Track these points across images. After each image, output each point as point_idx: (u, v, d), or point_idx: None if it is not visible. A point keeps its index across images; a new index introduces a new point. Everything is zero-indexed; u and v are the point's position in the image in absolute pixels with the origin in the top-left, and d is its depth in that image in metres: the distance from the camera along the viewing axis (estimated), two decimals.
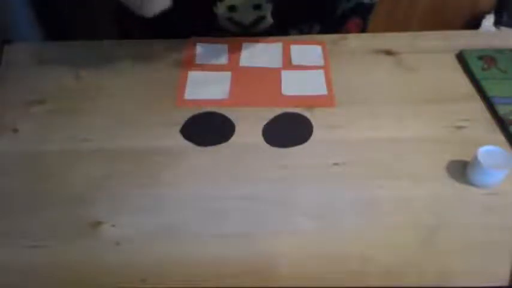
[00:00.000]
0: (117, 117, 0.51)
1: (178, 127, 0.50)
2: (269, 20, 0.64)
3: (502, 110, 0.52)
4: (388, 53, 0.58)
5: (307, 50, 0.58)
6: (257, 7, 0.62)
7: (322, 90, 0.54)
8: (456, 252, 0.42)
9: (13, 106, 0.53)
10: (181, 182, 0.46)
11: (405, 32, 0.56)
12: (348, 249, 0.42)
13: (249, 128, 0.50)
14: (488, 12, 1.08)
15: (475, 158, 0.45)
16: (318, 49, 0.59)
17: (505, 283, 0.40)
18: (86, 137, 0.50)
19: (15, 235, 0.43)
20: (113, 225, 0.43)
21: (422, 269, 0.41)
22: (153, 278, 0.40)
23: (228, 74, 0.56)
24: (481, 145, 0.45)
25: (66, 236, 0.43)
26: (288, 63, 0.57)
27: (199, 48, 0.58)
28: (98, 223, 0.43)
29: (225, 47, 0.59)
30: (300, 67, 0.57)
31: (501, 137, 0.50)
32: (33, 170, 0.47)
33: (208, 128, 0.51)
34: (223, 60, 0.57)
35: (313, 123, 0.51)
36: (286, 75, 0.56)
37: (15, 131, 0.50)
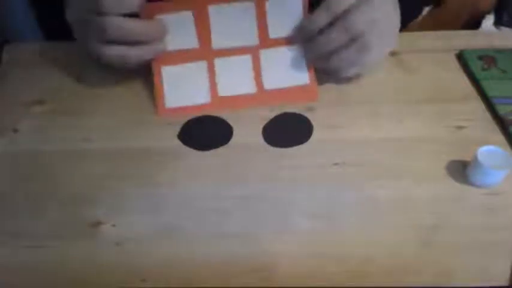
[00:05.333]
0: (117, 117, 0.51)
1: (178, 127, 0.50)
2: None
3: (502, 110, 0.52)
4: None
5: (286, 8, 0.51)
6: None
7: (304, 78, 0.52)
8: (456, 253, 0.42)
9: (13, 106, 0.53)
10: (182, 182, 0.46)
11: (405, 32, 0.56)
12: (348, 249, 0.42)
13: (248, 128, 0.50)
14: (488, 12, 1.08)
15: (475, 158, 0.45)
16: (298, 3, 0.51)
17: (505, 283, 0.40)
18: (86, 137, 0.50)
19: (15, 235, 0.43)
20: (113, 225, 0.43)
21: (422, 269, 0.41)
22: (154, 278, 0.40)
23: (204, 64, 0.52)
24: (481, 145, 0.45)
25: (66, 236, 0.43)
26: (265, 36, 0.52)
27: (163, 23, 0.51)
28: (98, 223, 0.43)
29: (191, 18, 0.51)
30: (279, 41, 0.52)
31: (501, 137, 0.50)
32: (33, 170, 0.47)
33: (206, 132, 0.50)
34: (194, 41, 0.51)
35: (313, 123, 0.51)
36: (265, 56, 0.52)
37: (15, 131, 0.50)
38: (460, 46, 0.59)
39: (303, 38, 0.52)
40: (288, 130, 0.51)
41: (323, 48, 0.50)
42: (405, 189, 0.46)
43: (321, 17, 0.50)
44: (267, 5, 0.51)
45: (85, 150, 0.49)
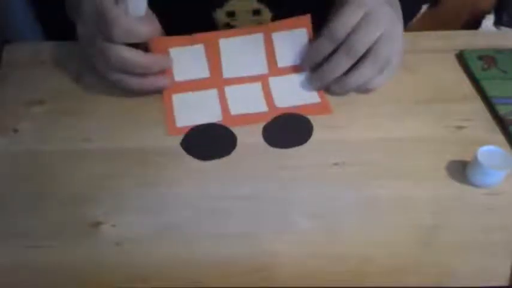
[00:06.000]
0: (117, 117, 0.51)
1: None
2: None
3: (502, 110, 0.52)
4: None
5: (292, 40, 0.53)
6: (256, 12, 0.61)
7: (314, 98, 0.53)
8: (456, 252, 0.42)
9: (13, 106, 0.53)
10: (182, 182, 0.46)
11: (405, 32, 0.55)
12: (348, 249, 0.42)
13: (248, 129, 0.50)
14: (488, 12, 1.08)
15: (475, 158, 0.45)
16: (303, 34, 0.53)
17: (505, 283, 0.40)
18: (86, 137, 0.50)
19: (15, 235, 0.43)
20: (113, 225, 0.43)
21: (422, 269, 0.41)
22: (154, 278, 0.40)
23: (214, 92, 0.53)
24: (481, 145, 0.45)
25: (66, 236, 0.43)
26: (273, 66, 0.54)
27: (174, 55, 0.53)
28: (98, 223, 0.43)
29: (202, 50, 0.53)
30: (287, 70, 0.54)
31: (501, 137, 0.50)
32: (33, 170, 0.47)
33: (209, 141, 0.49)
34: (204, 72, 0.53)
35: (313, 123, 0.51)
36: (274, 83, 0.53)
37: (15, 131, 0.50)
38: (460, 46, 0.59)
39: (309, 67, 0.53)
40: (288, 131, 0.50)
41: (329, 75, 0.51)
42: (405, 189, 0.46)
43: (324, 45, 0.51)
44: (274, 36, 0.53)
45: (85, 150, 0.49)
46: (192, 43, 0.52)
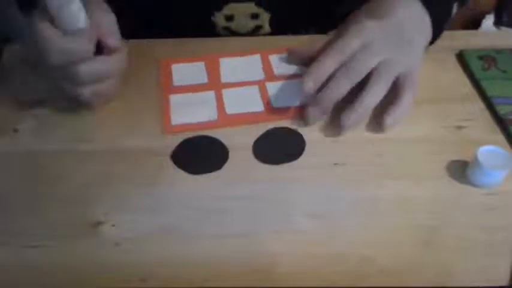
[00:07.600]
0: (117, 117, 0.51)
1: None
2: (267, 29, 0.63)
3: (502, 110, 0.52)
4: None
5: (287, 59, 0.57)
6: (255, 16, 0.61)
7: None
8: (456, 252, 0.42)
9: (13, 106, 0.53)
10: (182, 182, 0.46)
11: None
12: (348, 249, 0.42)
13: (245, 129, 0.50)
14: (488, 12, 1.08)
15: (475, 158, 0.45)
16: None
17: (505, 283, 0.40)
18: (86, 137, 0.50)
19: (15, 235, 0.43)
20: (113, 225, 0.43)
21: (422, 269, 0.41)
22: (153, 278, 0.40)
23: (212, 93, 0.53)
24: (481, 145, 0.45)
25: (66, 236, 0.43)
26: (270, 74, 0.55)
27: (175, 69, 0.56)
28: (98, 223, 0.43)
29: (202, 64, 0.57)
30: (283, 77, 0.55)
31: (501, 137, 0.50)
32: (33, 170, 0.47)
33: (200, 155, 0.48)
34: (203, 79, 0.55)
35: (313, 124, 0.51)
36: (271, 86, 0.54)
37: (15, 131, 0.50)
38: (460, 46, 0.59)
39: (314, 86, 0.49)
40: (279, 147, 0.49)
41: (329, 96, 0.49)
42: (405, 189, 0.46)
43: (327, 63, 0.49)
44: (270, 56, 0.57)
45: (85, 150, 0.49)
46: (194, 61, 0.57)
